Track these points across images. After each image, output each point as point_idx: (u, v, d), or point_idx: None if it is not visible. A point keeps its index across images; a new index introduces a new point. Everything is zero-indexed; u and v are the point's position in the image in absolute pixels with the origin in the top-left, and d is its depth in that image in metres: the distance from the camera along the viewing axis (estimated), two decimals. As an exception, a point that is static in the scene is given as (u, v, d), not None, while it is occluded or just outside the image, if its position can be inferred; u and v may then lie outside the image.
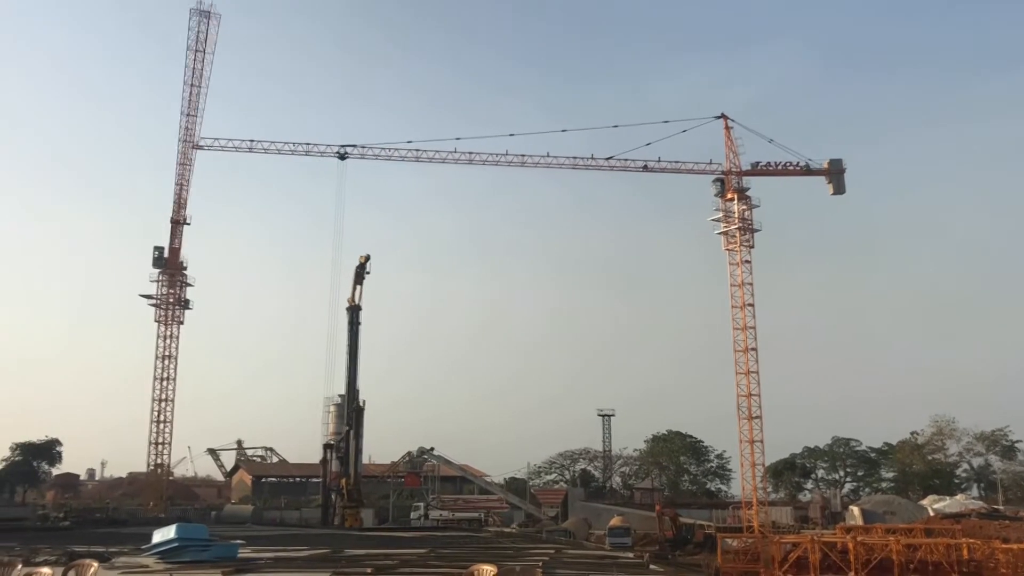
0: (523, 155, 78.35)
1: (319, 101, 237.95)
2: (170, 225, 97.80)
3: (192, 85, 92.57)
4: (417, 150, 79.37)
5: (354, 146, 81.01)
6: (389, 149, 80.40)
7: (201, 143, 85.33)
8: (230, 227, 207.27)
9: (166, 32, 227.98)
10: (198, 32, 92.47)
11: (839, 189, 77.21)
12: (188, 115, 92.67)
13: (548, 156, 78.20)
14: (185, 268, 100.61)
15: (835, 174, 76.84)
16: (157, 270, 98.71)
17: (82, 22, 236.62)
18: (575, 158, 78.11)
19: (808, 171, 76.49)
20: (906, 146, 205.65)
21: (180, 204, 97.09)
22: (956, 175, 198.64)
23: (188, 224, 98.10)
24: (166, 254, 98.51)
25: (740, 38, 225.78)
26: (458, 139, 78.94)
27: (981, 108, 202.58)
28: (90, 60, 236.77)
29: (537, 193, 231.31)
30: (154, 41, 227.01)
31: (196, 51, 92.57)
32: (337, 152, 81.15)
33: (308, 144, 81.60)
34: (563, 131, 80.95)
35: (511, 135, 79.04)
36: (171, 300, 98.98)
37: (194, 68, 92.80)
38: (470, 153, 78.70)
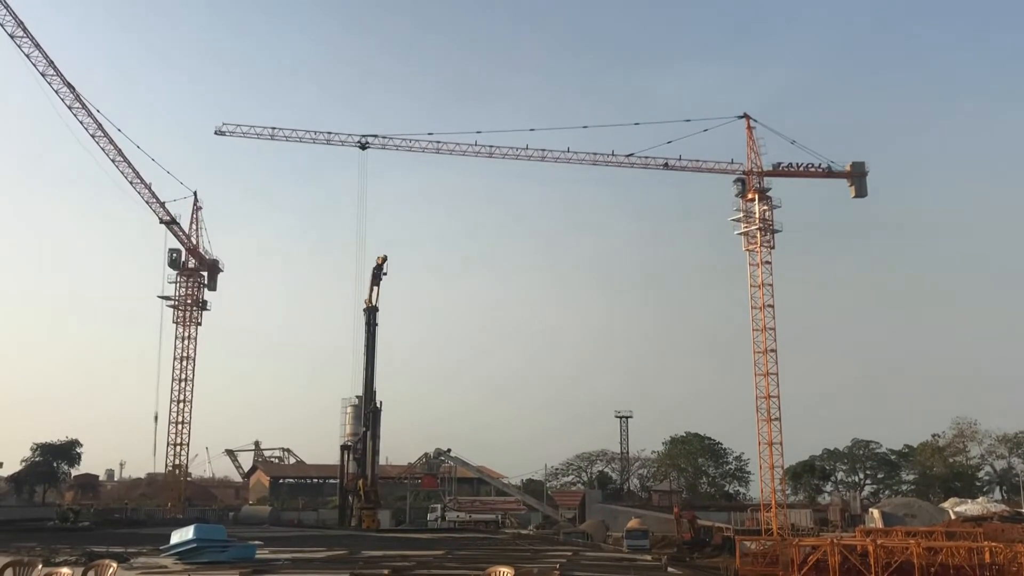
0: (543, 149, 78.62)
1: (338, 93, 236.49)
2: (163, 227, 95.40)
3: (44, 74, 76.74)
4: (438, 142, 79.48)
5: (375, 136, 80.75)
6: (410, 140, 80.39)
7: (223, 129, 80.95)
8: (243, 224, 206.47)
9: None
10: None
11: (861, 192, 76.59)
12: (73, 108, 79.21)
13: (568, 152, 78.52)
14: (222, 269, 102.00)
15: (857, 177, 76.36)
16: (174, 271, 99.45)
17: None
18: (595, 154, 78.25)
19: (830, 173, 76.04)
20: (927, 145, 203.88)
21: (152, 203, 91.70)
22: (978, 175, 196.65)
23: (176, 223, 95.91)
24: (183, 257, 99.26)
25: (755, 37, 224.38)
26: (479, 132, 79.11)
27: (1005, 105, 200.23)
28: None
29: (550, 192, 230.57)
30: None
31: (16, 37, 73.44)
32: (358, 142, 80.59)
33: (329, 133, 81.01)
34: (584, 127, 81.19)
35: (531, 130, 79.16)
36: (188, 302, 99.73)
37: (28, 55, 74.95)
38: (491, 146, 78.82)
